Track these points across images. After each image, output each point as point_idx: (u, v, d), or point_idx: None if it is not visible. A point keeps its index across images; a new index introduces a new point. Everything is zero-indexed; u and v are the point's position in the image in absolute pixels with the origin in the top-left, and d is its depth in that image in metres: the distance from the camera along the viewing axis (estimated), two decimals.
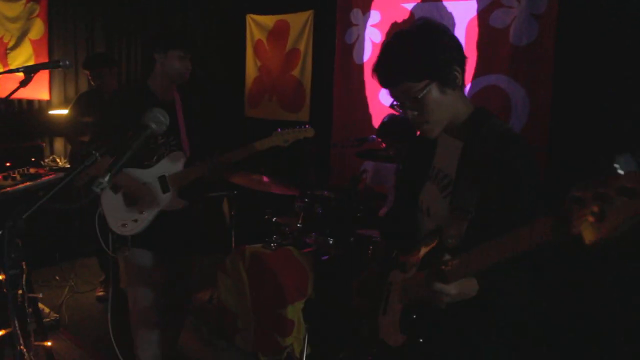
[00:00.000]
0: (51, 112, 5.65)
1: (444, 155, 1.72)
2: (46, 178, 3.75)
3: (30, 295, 2.58)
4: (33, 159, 5.17)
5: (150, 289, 2.84)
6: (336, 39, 5.21)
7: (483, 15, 4.11)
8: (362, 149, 3.86)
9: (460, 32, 4.18)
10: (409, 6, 4.59)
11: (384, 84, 1.62)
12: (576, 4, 3.62)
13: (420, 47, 1.56)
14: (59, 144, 5.84)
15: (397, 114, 1.72)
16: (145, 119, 1.42)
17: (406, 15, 4.50)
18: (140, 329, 2.89)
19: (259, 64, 6.08)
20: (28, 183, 3.48)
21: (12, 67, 4.92)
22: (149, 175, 2.77)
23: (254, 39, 6.09)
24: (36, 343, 2.50)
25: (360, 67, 4.99)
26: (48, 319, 3.90)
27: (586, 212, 1.01)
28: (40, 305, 3.92)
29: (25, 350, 1.29)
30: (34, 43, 5.63)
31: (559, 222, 1.10)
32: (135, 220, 2.73)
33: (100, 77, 4.43)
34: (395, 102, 1.64)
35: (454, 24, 4.23)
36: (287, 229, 3.79)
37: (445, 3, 4.33)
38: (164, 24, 6.25)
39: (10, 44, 5.47)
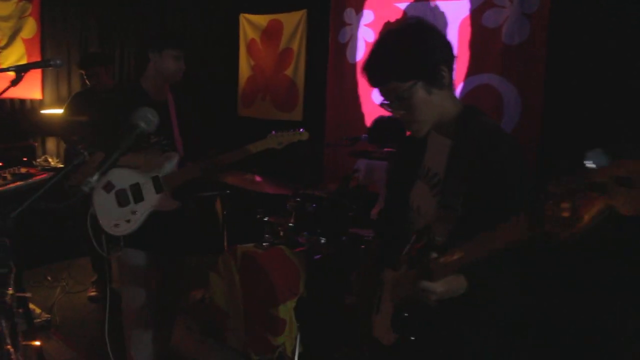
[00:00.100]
0: (44, 111, 5.64)
1: (433, 153, 1.73)
2: (37, 178, 3.74)
3: (19, 294, 2.57)
4: (25, 159, 5.16)
5: (143, 288, 2.84)
6: (329, 38, 5.21)
7: (475, 14, 4.12)
8: (354, 148, 3.87)
9: (452, 32, 4.18)
10: (402, 6, 4.59)
11: (371, 83, 1.65)
12: (568, 3, 3.63)
13: (405, 47, 1.58)
14: (51, 143, 5.83)
15: (386, 114, 1.73)
16: (135, 118, 1.41)
17: (399, 15, 4.50)
18: (133, 329, 2.89)
19: (252, 63, 6.07)
20: (19, 183, 3.47)
21: (4, 66, 4.88)
22: (143, 175, 2.76)
23: (247, 38, 6.08)
24: (24, 343, 2.49)
25: (354, 67, 4.99)
26: (39, 320, 3.89)
27: (558, 208, 1.04)
28: (32, 306, 3.92)
29: (12, 349, 1.28)
30: (26, 42, 5.62)
31: (533, 219, 1.12)
32: (128, 221, 2.72)
33: (96, 76, 4.42)
34: (385, 101, 1.66)
35: (446, 24, 4.23)
36: (279, 228, 3.79)
37: (438, 2, 4.33)
38: (159, 23, 6.24)
39: (2, 43, 5.46)
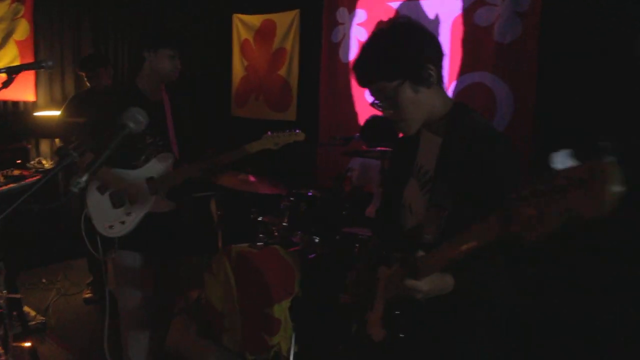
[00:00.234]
0: (37, 113, 5.62)
1: (425, 151, 1.74)
2: (30, 180, 3.74)
3: (10, 295, 2.56)
4: (19, 161, 5.15)
5: (139, 289, 2.83)
6: (322, 38, 5.22)
7: (468, 13, 4.14)
8: (348, 147, 3.87)
9: (445, 30, 4.20)
10: (395, 5, 4.62)
11: (360, 83, 1.66)
12: (559, 1, 3.65)
13: (391, 47, 1.59)
14: (45, 145, 5.81)
15: (379, 114, 1.73)
16: (123, 118, 1.41)
17: (392, 14, 4.51)
18: (130, 330, 2.88)
19: (245, 63, 6.08)
20: (11, 185, 3.46)
21: None
22: (137, 176, 2.74)
23: (240, 38, 6.08)
24: (14, 344, 2.49)
25: (347, 66, 5.00)
26: (34, 322, 3.88)
27: (524, 210, 1.06)
28: (27, 308, 3.91)
29: (2, 351, 1.28)
30: (19, 44, 5.60)
31: (500, 220, 1.13)
32: (123, 222, 2.70)
33: (97, 78, 4.41)
34: (375, 101, 1.67)
35: (439, 22, 4.25)
36: (273, 228, 3.79)
37: (430, 1, 4.34)
38: (154, 22, 6.23)
39: None
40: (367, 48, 1.65)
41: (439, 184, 1.58)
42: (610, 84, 3.41)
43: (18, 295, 3.04)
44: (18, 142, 5.40)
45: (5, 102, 5.57)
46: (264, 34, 5.82)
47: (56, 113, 5.51)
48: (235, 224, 4.47)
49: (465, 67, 4.16)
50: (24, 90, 5.61)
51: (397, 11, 4.55)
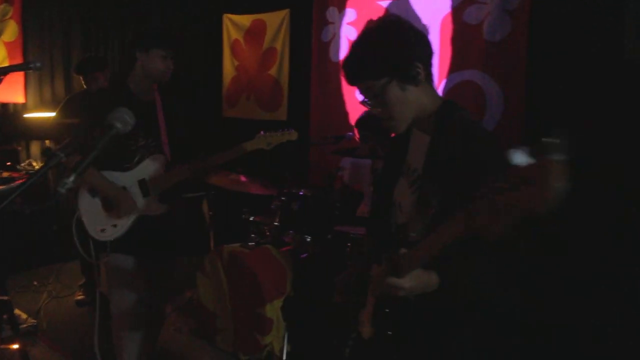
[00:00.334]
0: (27, 115, 5.60)
1: (414, 150, 1.74)
2: (20, 182, 3.72)
3: (1, 298, 2.55)
4: (9, 163, 5.13)
5: (131, 291, 2.81)
6: (312, 37, 5.22)
7: (457, 11, 4.14)
8: (339, 146, 3.87)
9: (434, 29, 4.20)
10: (384, 3, 4.62)
11: (348, 81, 1.67)
12: None
13: (378, 45, 1.60)
14: (35, 147, 5.79)
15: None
16: (111, 119, 1.41)
17: (382, 13, 4.52)
18: (122, 331, 2.86)
19: (236, 63, 6.07)
20: (1, 187, 3.45)
21: None
22: (129, 178, 2.71)
23: (230, 38, 6.07)
24: (2, 346, 2.48)
25: (337, 65, 5.00)
26: (25, 325, 3.86)
27: (484, 206, 1.10)
28: (17, 311, 3.89)
29: None
30: (7, 45, 5.58)
31: (466, 216, 1.17)
32: (115, 226, 2.68)
33: (96, 80, 4.38)
34: (365, 99, 1.68)
35: (428, 21, 4.25)
36: (265, 228, 3.79)
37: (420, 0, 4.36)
38: (145, 23, 6.21)
39: None
40: (355, 47, 1.66)
41: (426, 182, 1.59)
42: (600, 80, 3.42)
43: (7, 298, 3.02)
44: (8, 144, 5.38)
45: None
46: (254, 33, 5.81)
47: (46, 114, 5.50)
48: (227, 224, 4.47)
49: (455, 66, 4.17)
50: (13, 92, 5.59)
51: (387, 10, 4.55)
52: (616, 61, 3.33)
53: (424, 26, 4.17)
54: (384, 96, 1.59)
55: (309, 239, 3.51)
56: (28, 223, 5.00)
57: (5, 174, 3.80)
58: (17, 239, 4.78)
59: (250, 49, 5.88)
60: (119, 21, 6.26)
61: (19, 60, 5.58)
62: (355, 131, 3.92)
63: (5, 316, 2.94)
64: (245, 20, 5.89)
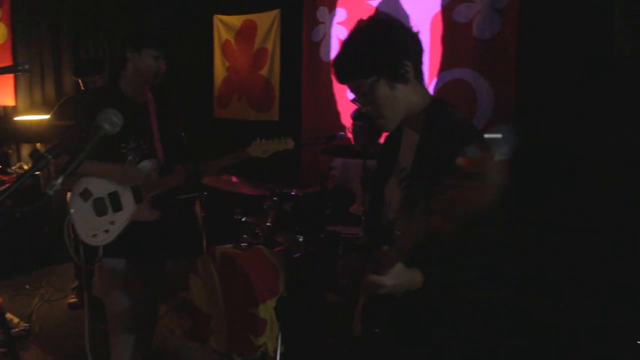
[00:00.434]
0: (17, 118, 5.56)
1: (405, 148, 1.75)
2: (7, 185, 3.69)
3: None
4: None
5: (124, 293, 2.79)
6: (303, 37, 5.22)
7: (447, 10, 4.16)
8: (330, 146, 3.87)
9: (424, 27, 4.21)
10: (375, 3, 4.63)
11: (338, 80, 1.67)
12: None
13: (366, 44, 1.60)
14: (26, 150, 5.75)
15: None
16: (98, 120, 1.40)
17: (372, 12, 4.52)
18: (116, 333, 2.85)
19: (227, 64, 6.06)
20: None
21: None
22: (122, 183, 2.68)
23: (221, 39, 6.07)
24: None
25: (328, 65, 5.00)
26: (17, 329, 3.84)
27: (438, 203, 1.15)
28: (9, 315, 3.87)
29: None
30: None
31: (424, 215, 1.23)
32: (107, 231, 2.64)
33: (95, 83, 4.35)
34: (356, 97, 1.68)
35: (418, 19, 4.26)
36: (257, 228, 3.78)
37: None
38: (136, 23, 6.19)
39: None
40: (344, 45, 1.66)
41: (414, 180, 1.59)
42: (589, 78, 3.44)
43: None
44: None
45: None
46: (245, 34, 5.80)
47: (37, 117, 5.47)
48: (219, 224, 4.47)
49: (445, 64, 4.18)
50: (3, 95, 5.56)
51: (377, 9, 4.56)
52: (605, 58, 3.35)
53: (414, 25, 4.17)
54: (373, 94, 1.59)
55: (301, 239, 3.51)
56: (19, 226, 4.98)
57: None
58: (8, 242, 4.76)
59: (241, 50, 5.88)
60: (108, 23, 6.23)
61: (8, 62, 5.53)
62: (350, 124, 3.93)
63: None
64: (235, 20, 5.88)
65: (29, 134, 5.39)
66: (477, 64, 3.99)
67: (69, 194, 2.73)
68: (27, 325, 3.97)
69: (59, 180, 1.26)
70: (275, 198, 3.62)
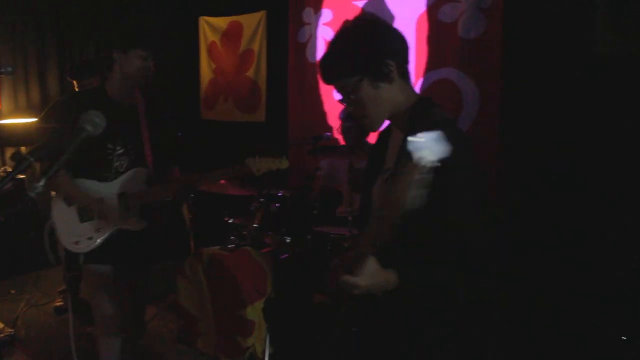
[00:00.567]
0: (1, 121, 5.51)
1: (392, 148, 1.75)
2: None
3: None
4: None
5: (111, 297, 2.74)
6: (289, 38, 5.22)
7: (432, 10, 4.17)
8: (317, 146, 3.88)
9: (410, 28, 4.22)
10: (360, 3, 4.64)
11: (324, 81, 1.67)
12: None
13: (348, 44, 1.61)
14: (10, 154, 5.69)
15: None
16: (81, 122, 1.39)
17: (358, 13, 4.52)
18: (104, 336, 2.83)
19: (213, 65, 6.04)
20: None
21: None
22: (108, 189, 2.61)
23: (207, 41, 6.05)
24: None
25: (314, 66, 5.00)
26: (2, 335, 3.79)
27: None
28: None
29: None
30: None
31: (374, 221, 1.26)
32: (90, 238, 2.58)
33: (91, 85, 4.31)
34: (342, 98, 1.68)
35: (403, 20, 4.27)
36: (244, 230, 3.77)
37: None
38: (122, 24, 6.15)
39: None
40: (329, 46, 1.66)
41: (395, 179, 1.59)
42: (573, 77, 3.46)
43: None
44: None
45: None
46: (231, 35, 5.79)
47: (21, 121, 5.42)
48: (206, 226, 4.45)
49: (431, 64, 4.19)
50: None
51: (363, 10, 4.57)
52: (588, 56, 3.38)
53: (399, 26, 4.18)
54: (357, 94, 1.59)
55: (288, 240, 3.51)
56: (3, 230, 4.92)
57: None
58: None
59: (227, 51, 5.87)
60: (94, 24, 6.19)
61: None
62: (339, 125, 3.93)
63: None
64: (221, 22, 5.87)
65: (14, 137, 5.34)
66: (463, 64, 4.01)
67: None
68: (12, 330, 3.93)
69: (41, 183, 1.25)
70: (262, 199, 3.61)
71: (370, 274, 1.43)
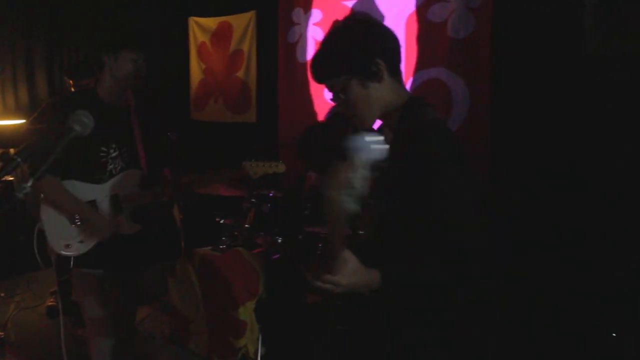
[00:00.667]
0: None
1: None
2: None
3: None
4: None
5: (102, 299, 2.71)
6: (279, 38, 5.21)
7: (421, 10, 4.18)
8: None
9: (400, 27, 4.23)
10: (350, 3, 4.64)
11: (314, 80, 1.67)
12: None
13: (337, 43, 1.62)
14: None
15: (317, 124, 1.75)
16: (69, 121, 1.38)
17: (347, 13, 4.52)
18: (96, 338, 2.81)
19: (203, 66, 6.03)
20: None
21: None
22: (100, 191, 2.57)
23: (197, 41, 6.04)
24: None
25: (304, 66, 5.00)
26: None
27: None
28: None
29: None
30: None
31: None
32: (81, 242, 2.55)
33: (88, 85, 4.26)
34: (333, 97, 1.68)
35: (393, 19, 4.28)
36: (235, 230, 3.76)
37: None
38: (113, 25, 6.13)
39: None
40: (320, 45, 1.67)
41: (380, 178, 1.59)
42: (563, 76, 3.48)
43: None
44: None
45: None
46: (221, 36, 5.78)
47: (9, 122, 5.39)
48: (198, 227, 4.44)
49: (421, 64, 4.20)
50: None
51: (352, 10, 4.58)
52: (577, 55, 3.39)
53: (389, 25, 4.18)
54: (346, 93, 1.59)
55: (280, 240, 3.50)
56: None
57: None
58: None
59: (217, 52, 5.85)
60: (83, 25, 6.16)
61: None
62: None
63: None
64: (211, 22, 5.86)
65: (2, 138, 5.30)
66: (452, 64, 4.02)
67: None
68: (2, 334, 3.90)
69: (29, 184, 1.25)
70: (253, 200, 3.61)
71: (352, 272, 1.41)
